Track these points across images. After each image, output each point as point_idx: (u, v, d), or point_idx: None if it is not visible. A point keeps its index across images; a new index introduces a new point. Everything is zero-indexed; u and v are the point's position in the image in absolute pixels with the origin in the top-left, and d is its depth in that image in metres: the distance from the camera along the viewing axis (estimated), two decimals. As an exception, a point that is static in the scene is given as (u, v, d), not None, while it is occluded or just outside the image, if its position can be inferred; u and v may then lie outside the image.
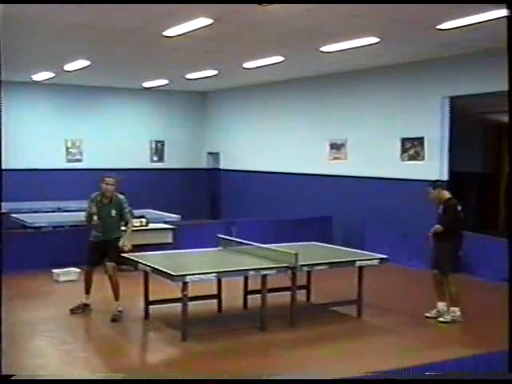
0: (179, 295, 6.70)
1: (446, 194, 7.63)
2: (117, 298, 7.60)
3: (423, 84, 11.45)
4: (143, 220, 10.23)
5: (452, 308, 7.47)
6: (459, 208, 7.57)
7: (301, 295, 7.90)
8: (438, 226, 7.47)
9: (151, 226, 10.36)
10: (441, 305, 7.64)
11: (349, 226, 12.54)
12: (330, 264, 7.54)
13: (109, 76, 14.28)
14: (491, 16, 7.58)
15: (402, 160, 11.85)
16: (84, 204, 12.05)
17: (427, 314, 7.66)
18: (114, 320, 7.40)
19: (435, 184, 7.77)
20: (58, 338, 6.88)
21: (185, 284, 6.54)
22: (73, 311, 7.71)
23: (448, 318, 7.40)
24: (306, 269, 7.57)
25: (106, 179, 7.76)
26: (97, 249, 7.73)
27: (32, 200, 13.53)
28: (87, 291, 7.83)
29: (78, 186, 14.84)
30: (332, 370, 5.86)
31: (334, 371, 5.66)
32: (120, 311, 7.52)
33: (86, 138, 16.10)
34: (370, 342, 7.01)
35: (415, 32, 8.94)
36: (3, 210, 11.51)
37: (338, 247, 9.01)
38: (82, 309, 7.77)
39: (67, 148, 16.00)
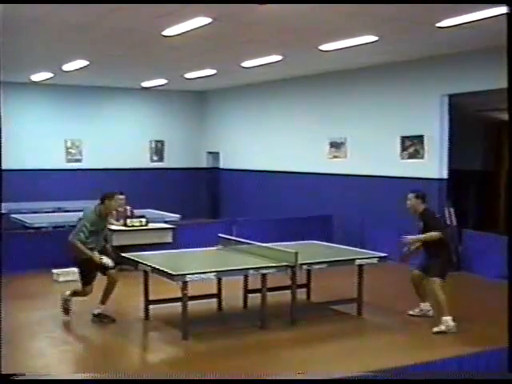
0: (179, 295, 6.71)
1: (422, 207, 7.41)
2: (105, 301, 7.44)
3: (422, 82, 11.44)
4: (143, 220, 10.22)
5: (444, 318, 7.12)
6: (437, 215, 7.51)
7: (301, 294, 7.90)
8: (433, 234, 7.20)
9: (151, 225, 10.36)
10: (424, 305, 7.59)
11: (349, 225, 12.54)
12: (330, 263, 7.55)
13: (108, 76, 14.28)
14: (490, 13, 7.57)
15: (402, 158, 11.85)
16: (84, 204, 12.07)
17: (411, 312, 7.65)
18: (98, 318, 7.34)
19: (418, 194, 7.48)
20: (58, 338, 6.89)
21: (185, 283, 6.55)
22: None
23: (443, 327, 7.07)
24: (305, 267, 7.57)
25: (119, 197, 7.72)
26: (93, 264, 7.23)
27: (32, 200, 13.54)
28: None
29: (78, 186, 14.88)
30: (332, 368, 5.87)
31: (335, 370, 5.67)
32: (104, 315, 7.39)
33: (86, 138, 16.10)
34: (370, 340, 7.02)
35: (414, 30, 8.93)
36: (3, 211, 11.55)
37: (338, 246, 9.01)
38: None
39: (67, 148, 16.00)
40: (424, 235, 7.27)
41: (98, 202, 7.37)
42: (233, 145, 16.60)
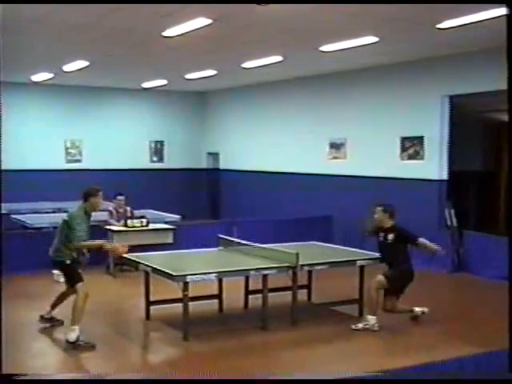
0: (180, 295, 6.70)
1: (389, 223, 7.37)
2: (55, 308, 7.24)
3: (423, 83, 11.45)
4: (143, 220, 10.21)
5: (368, 316, 7.15)
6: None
7: (302, 295, 7.90)
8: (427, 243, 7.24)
9: (151, 226, 10.35)
10: (416, 309, 7.55)
11: (349, 226, 12.52)
12: (331, 264, 7.55)
13: (108, 76, 14.28)
14: (491, 15, 7.59)
15: (402, 159, 11.86)
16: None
17: (411, 314, 7.55)
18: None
19: (385, 208, 7.40)
20: (58, 338, 6.87)
21: (186, 284, 6.55)
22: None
23: (360, 325, 7.12)
24: (306, 268, 7.59)
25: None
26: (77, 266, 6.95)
27: (32, 201, 13.52)
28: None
29: (78, 187, 14.81)
30: (333, 369, 5.87)
31: (335, 371, 5.67)
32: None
33: (86, 139, 16.10)
34: (371, 341, 7.00)
35: (414, 31, 8.94)
36: (3, 211, 11.54)
37: (339, 247, 9.01)
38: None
39: (67, 148, 16.00)
40: (429, 245, 7.26)
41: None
42: (233, 146, 16.60)
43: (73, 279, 6.80)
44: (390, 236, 7.35)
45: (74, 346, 6.43)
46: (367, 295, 7.34)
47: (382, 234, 7.44)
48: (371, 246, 10.14)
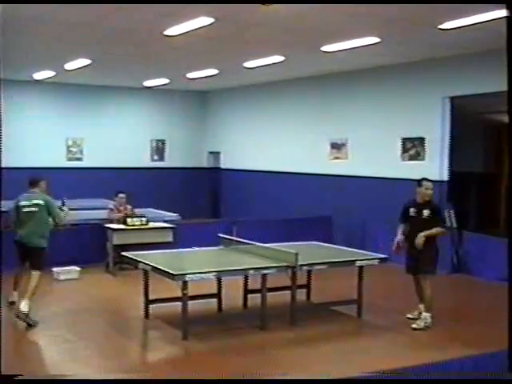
0: (179, 294, 6.72)
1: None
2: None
3: (424, 84, 11.45)
4: (143, 219, 10.23)
5: (424, 314, 7.28)
6: None
7: (301, 294, 7.91)
8: (439, 230, 7.31)
9: (151, 224, 10.37)
10: (422, 306, 7.55)
11: (349, 226, 12.53)
12: (330, 263, 7.56)
13: (110, 75, 14.29)
14: (492, 16, 7.59)
15: (403, 160, 11.86)
16: (84, 203, 12.05)
17: (409, 316, 7.58)
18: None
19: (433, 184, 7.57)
20: (59, 337, 6.89)
21: (185, 283, 6.56)
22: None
23: (421, 324, 7.22)
24: (306, 268, 7.59)
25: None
26: None
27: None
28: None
29: (79, 185, 14.86)
30: (332, 369, 5.87)
31: (334, 371, 5.68)
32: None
33: (87, 137, 16.11)
34: (370, 341, 7.02)
35: (416, 32, 8.94)
36: (4, 209, 11.54)
37: (339, 247, 9.01)
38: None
39: (68, 147, 16.01)
40: (436, 230, 7.27)
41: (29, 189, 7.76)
42: (234, 145, 16.61)
43: (42, 263, 7.51)
44: (426, 212, 7.34)
45: (25, 316, 6.97)
46: (427, 297, 7.33)
47: (414, 210, 7.44)
48: (371, 246, 10.17)
